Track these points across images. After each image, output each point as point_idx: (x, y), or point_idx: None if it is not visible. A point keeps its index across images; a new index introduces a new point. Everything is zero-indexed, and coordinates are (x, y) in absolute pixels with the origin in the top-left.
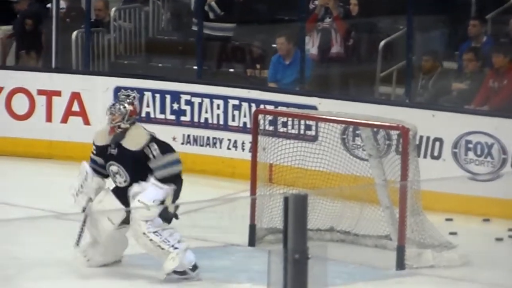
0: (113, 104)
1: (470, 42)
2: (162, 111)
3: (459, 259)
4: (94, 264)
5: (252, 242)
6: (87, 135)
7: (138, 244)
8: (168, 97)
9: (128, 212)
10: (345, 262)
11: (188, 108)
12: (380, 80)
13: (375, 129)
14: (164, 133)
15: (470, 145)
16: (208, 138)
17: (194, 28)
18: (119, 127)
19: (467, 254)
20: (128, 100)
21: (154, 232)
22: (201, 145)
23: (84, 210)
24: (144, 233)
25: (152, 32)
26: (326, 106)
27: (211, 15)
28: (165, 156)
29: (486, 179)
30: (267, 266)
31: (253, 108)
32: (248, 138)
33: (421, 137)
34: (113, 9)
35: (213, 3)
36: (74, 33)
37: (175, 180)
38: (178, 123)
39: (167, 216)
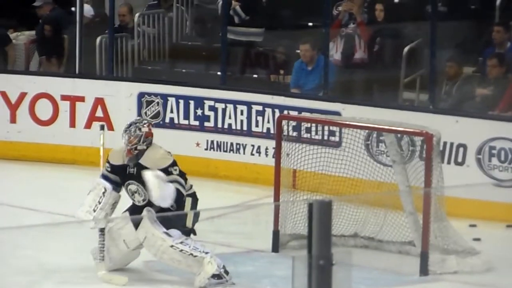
0: (129, 126)
1: (493, 48)
2: (186, 116)
3: (483, 265)
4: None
5: (275, 248)
6: (111, 141)
7: (162, 261)
8: (192, 102)
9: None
10: (369, 268)
11: (211, 113)
12: (404, 86)
13: (399, 135)
14: (188, 138)
15: (494, 151)
16: (231, 143)
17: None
18: (135, 148)
19: (491, 260)
20: (144, 122)
21: (181, 243)
22: (225, 151)
23: (102, 230)
24: (172, 246)
25: (176, 37)
26: (350, 112)
27: (236, 19)
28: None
29: (510, 185)
30: (291, 272)
31: (277, 113)
32: (271, 143)
33: (444, 143)
34: (137, 14)
35: (238, 8)
36: (98, 39)
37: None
38: (201, 128)
39: (185, 229)
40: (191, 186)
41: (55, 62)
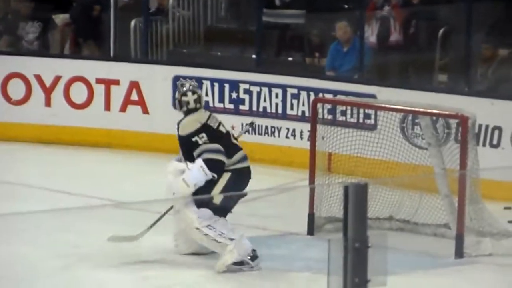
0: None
1: None
2: (221, 100)
3: None
4: (180, 251)
5: (311, 231)
6: (146, 124)
7: (191, 235)
8: (226, 86)
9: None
10: (404, 251)
11: (246, 97)
12: (439, 68)
13: (434, 118)
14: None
15: None
16: (266, 127)
17: (266, 18)
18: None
19: None
20: (182, 89)
21: (207, 226)
22: (260, 134)
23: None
24: (197, 228)
25: (211, 20)
26: (385, 94)
27: (277, 1)
28: (213, 144)
29: None
30: (326, 255)
31: (312, 96)
32: (306, 127)
33: (480, 125)
34: None
35: None
36: (133, 22)
37: (219, 170)
38: (236, 112)
39: (215, 207)
40: (242, 158)
41: (92, 44)
